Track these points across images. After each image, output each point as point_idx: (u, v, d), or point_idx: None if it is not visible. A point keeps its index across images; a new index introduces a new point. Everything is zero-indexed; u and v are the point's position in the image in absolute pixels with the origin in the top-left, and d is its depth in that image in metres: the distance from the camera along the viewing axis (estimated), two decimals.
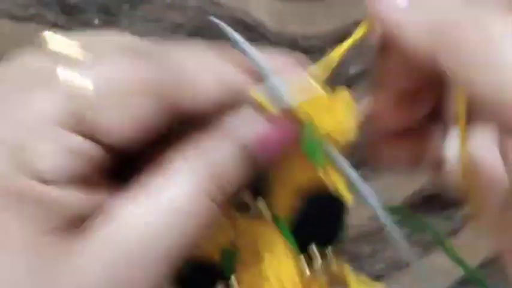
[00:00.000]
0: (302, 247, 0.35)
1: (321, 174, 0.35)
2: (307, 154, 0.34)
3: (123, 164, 0.33)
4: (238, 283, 0.35)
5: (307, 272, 0.36)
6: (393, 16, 0.31)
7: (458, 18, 0.29)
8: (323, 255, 0.36)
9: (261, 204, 0.35)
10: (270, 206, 0.35)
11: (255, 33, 0.57)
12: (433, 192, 0.60)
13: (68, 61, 0.30)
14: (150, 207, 0.30)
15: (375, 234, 0.62)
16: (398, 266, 0.63)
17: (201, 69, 0.32)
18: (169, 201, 0.30)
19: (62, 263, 0.29)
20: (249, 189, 0.35)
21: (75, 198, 0.31)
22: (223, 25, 0.32)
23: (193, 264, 0.34)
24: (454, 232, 0.63)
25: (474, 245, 0.61)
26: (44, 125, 0.30)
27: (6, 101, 0.30)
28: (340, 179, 0.36)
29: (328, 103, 0.34)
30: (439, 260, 0.63)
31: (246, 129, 0.32)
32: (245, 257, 0.35)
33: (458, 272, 0.64)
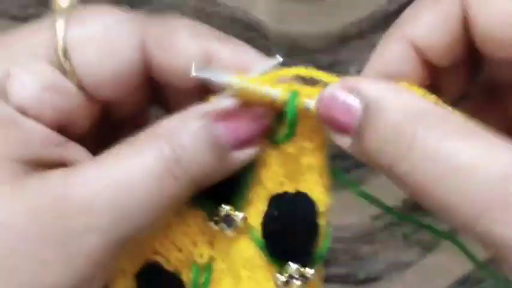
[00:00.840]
0: (279, 256, 0.34)
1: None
2: (289, 121, 0.32)
3: (111, 134, 0.35)
4: None
5: None
6: None
7: None
8: (303, 275, 0.34)
9: (237, 215, 0.34)
10: (245, 217, 0.34)
11: (255, 33, 0.57)
12: None
13: (67, 13, 0.33)
14: (113, 173, 0.30)
15: (375, 234, 0.62)
16: (398, 266, 0.63)
17: (189, 38, 0.33)
18: (130, 172, 0.30)
19: (18, 190, 0.30)
20: (224, 201, 0.34)
21: (46, 137, 0.32)
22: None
23: (160, 277, 0.34)
24: (454, 232, 0.62)
25: (474, 245, 0.61)
26: (33, 58, 0.32)
27: (6, 34, 0.33)
28: (317, 180, 0.34)
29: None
30: (439, 259, 0.63)
31: (208, 109, 0.32)
32: (219, 275, 0.34)
33: (458, 272, 0.64)
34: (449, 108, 0.31)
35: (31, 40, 0.33)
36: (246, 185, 0.34)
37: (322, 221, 0.34)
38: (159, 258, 0.34)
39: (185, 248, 0.34)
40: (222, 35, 0.34)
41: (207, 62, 0.33)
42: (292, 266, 0.34)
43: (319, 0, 0.59)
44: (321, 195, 0.34)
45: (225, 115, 0.32)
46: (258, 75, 0.33)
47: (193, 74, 0.31)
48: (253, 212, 0.34)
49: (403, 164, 0.29)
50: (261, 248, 0.34)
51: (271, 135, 0.34)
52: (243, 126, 0.32)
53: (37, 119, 0.32)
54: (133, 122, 0.37)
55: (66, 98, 0.33)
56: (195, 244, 0.34)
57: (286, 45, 0.57)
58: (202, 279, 0.34)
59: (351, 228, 0.61)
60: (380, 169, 0.31)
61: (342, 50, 0.56)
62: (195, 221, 0.34)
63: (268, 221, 0.34)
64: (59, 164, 0.32)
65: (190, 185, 0.31)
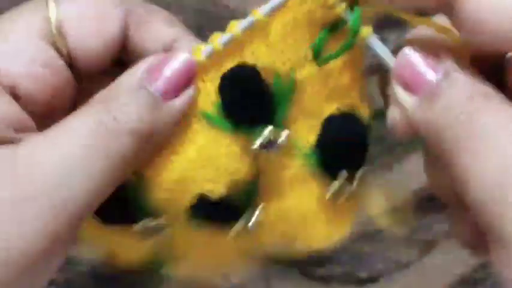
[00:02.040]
0: (331, 171, 0.35)
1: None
2: (352, 30, 0.33)
3: None
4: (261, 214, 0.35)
5: (331, 196, 0.35)
6: None
7: None
8: (351, 180, 0.36)
9: (280, 134, 0.35)
10: (289, 135, 0.35)
11: None
12: (433, 192, 0.60)
13: None
14: (56, 142, 0.31)
15: (375, 234, 0.62)
16: (398, 266, 0.63)
17: (165, 26, 0.35)
18: (68, 138, 0.31)
19: None
20: (265, 122, 0.34)
21: (15, 120, 0.33)
22: None
23: (215, 204, 0.34)
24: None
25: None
26: (27, 35, 0.33)
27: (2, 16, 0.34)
28: (362, 96, 0.35)
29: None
30: (439, 259, 0.64)
31: (142, 64, 0.33)
32: (266, 191, 0.35)
33: (458, 272, 0.64)
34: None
35: (25, 18, 0.34)
36: (287, 104, 0.35)
37: (369, 137, 0.35)
38: (210, 187, 0.34)
39: (231, 167, 0.34)
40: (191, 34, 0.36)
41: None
42: (344, 174, 0.35)
43: None
44: (366, 111, 0.35)
45: (153, 70, 0.33)
46: (267, 11, 0.34)
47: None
48: (296, 128, 0.35)
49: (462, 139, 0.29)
50: (313, 162, 0.35)
51: (315, 54, 0.34)
52: (172, 77, 0.33)
53: (29, 95, 0.33)
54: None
55: (57, 75, 0.34)
56: (240, 163, 0.35)
57: None
58: (249, 195, 0.35)
59: (351, 228, 0.61)
60: (431, 138, 0.31)
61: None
62: (238, 145, 0.34)
63: (324, 144, 0.35)
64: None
65: (136, 142, 0.32)
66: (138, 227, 0.35)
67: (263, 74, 0.34)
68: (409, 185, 0.61)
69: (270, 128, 0.34)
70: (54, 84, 0.34)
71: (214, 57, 0.34)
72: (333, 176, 0.36)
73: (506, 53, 0.32)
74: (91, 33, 0.34)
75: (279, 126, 0.35)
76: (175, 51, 0.34)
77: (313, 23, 0.34)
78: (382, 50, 0.33)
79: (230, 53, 0.34)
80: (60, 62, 0.34)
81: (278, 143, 0.34)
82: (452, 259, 0.63)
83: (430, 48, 0.32)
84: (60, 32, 0.34)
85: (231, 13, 0.56)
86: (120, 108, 0.32)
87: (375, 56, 0.33)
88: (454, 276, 0.64)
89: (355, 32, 0.33)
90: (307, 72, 0.34)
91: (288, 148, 0.35)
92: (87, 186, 0.31)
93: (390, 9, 0.33)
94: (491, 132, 0.29)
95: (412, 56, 0.32)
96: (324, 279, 0.61)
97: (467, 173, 0.29)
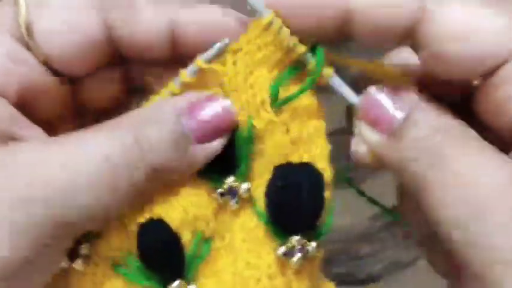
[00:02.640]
0: (282, 228, 0.33)
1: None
2: (313, 72, 0.33)
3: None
4: (205, 275, 0.34)
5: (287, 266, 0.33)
6: None
7: None
8: (304, 248, 0.33)
9: (241, 186, 0.34)
10: (249, 188, 0.34)
11: None
12: None
13: None
14: (60, 153, 0.30)
15: (375, 234, 0.62)
16: (398, 266, 0.63)
17: (151, 9, 0.33)
18: (79, 155, 0.30)
19: None
20: (229, 173, 0.34)
21: (6, 111, 0.32)
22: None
23: (162, 233, 0.33)
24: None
25: None
26: None
27: None
28: (322, 150, 0.34)
29: None
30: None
31: (177, 102, 0.32)
32: (217, 253, 0.34)
33: None
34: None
35: None
36: (249, 155, 0.34)
37: (327, 194, 0.33)
38: (163, 215, 0.33)
39: (191, 212, 0.33)
40: (183, 1, 0.34)
41: (171, 32, 0.33)
42: (295, 238, 0.33)
43: None
44: (325, 166, 0.34)
45: (193, 107, 0.32)
46: (208, 58, 0.33)
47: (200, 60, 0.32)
48: (257, 183, 0.34)
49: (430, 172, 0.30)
50: (263, 219, 0.34)
51: (275, 99, 0.33)
52: (210, 121, 0.32)
53: (2, 89, 0.32)
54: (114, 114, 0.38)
55: (30, 71, 0.33)
56: (201, 211, 0.34)
57: None
58: (200, 251, 0.34)
59: (351, 228, 0.61)
60: (397, 172, 0.32)
61: (342, 50, 0.56)
62: (203, 191, 0.34)
63: (272, 192, 0.33)
64: (10, 139, 0.32)
65: (151, 175, 0.31)
66: None
67: None
68: None
69: (231, 178, 0.34)
70: (27, 81, 0.33)
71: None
72: (286, 235, 0.33)
73: (471, 81, 0.32)
74: (62, 36, 0.33)
75: (242, 178, 0.34)
76: (218, 96, 0.33)
77: (270, 66, 0.33)
78: (344, 90, 0.33)
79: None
80: (31, 58, 0.33)
81: (238, 194, 0.34)
82: None
83: (393, 87, 0.32)
84: (30, 31, 0.33)
85: None
86: (149, 140, 0.31)
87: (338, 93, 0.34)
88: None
89: (318, 72, 0.33)
90: (265, 119, 0.33)
91: (248, 203, 0.34)
92: (87, 205, 0.30)
93: (346, 58, 0.34)
94: (451, 164, 0.29)
95: (376, 96, 0.32)
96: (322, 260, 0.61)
97: (432, 206, 0.30)
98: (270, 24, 0.32)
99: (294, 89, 0.33)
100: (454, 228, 0.29)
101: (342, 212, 0.62)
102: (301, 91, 0.33)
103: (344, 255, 0.62)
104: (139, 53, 0.34)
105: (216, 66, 0.33)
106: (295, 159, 0.33)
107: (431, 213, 0.30)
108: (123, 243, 0.33)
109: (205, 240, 0.34)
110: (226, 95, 0.33)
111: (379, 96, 0.32)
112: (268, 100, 0.33)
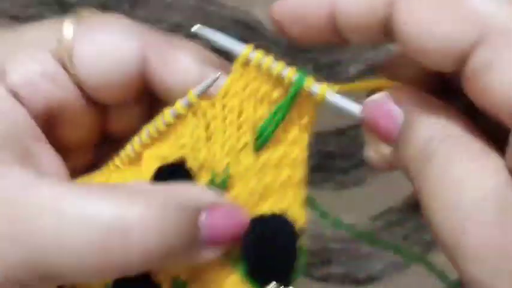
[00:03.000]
0: (258, 279, 0.33)
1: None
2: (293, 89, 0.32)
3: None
4: None
5: None
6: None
7: None
8: None
9: None
10: None
11: (255, 33, 0.57)
12: None
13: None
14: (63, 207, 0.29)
15: (375, 234, 0.62)
16: (398, 266, 0.63)
17: (191, 61, 0.34)
18: (74, 219, 0.29)
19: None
20: None
21: (22, 124, 0.32)
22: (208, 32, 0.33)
23: (142, 282, 0.32)
24: (424, 254, 0.63)
25: (447, 267, 0.61)
26: (40, 48, 0.34)
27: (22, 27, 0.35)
28: (296, 197, 0.34)
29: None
30: (439, 259, 0.63)
31: (199, 198, 0.32)
32: None
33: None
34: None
35: (42, 34, 0.34)
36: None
37: (301, 241, 0.33)
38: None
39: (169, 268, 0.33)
40: (222, 62, 0.35)
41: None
42: (271, 285, 0.33)
43: None
44: (299, 213, 0.34)
45: (213, 210, 0.31)
46: (203, 89, 0.33)
47: (194, 29, 0.32)
48: None
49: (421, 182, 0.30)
50: (239, 269, 0.34)
51: (254, 141, 0.33)
52: (225, 229, 0.32)
53: (27, 103, 0.33)
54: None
55: (61, 91, 0.34)
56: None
57: (286, 45, 0.57)
58: None
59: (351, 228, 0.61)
60: (407, 176, 0.32)
61: (342, 50, 0.56)
62: None
63: (248, 246, 0.33)
64: (23, 150, 0.32)
65: (144, 263, 0.30)
66: None
67: (195, 170, 0.33)
68: (409, 185, 0.61)
69: None
70: (56, 100, 0.34)
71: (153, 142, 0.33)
72: (262, 285, 0.33)
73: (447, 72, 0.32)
74: (100, 62, 0.34)
75: None
76: (240, 210, 0.33)
77: (260, 102, 0.33)
78: (344, 103, 0.33)
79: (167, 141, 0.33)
80: (66, 78, 0.34)
81: None
82: None
83: (390, 93, 0.32)
84: (70, 55, 0.34)
85: (231, 13, 0.56)
86: (160, 231, 0.29)
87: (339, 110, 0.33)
88: (453, 276, 0.64)
89: (299, 86, 0.32)
90: (244, 164, 0.33)
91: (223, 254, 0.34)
92: (71, 264, 0.29)
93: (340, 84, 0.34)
94: (445, 171, 0.29)
95: (374, 109, 0.32)
96: (323, 279, 0.61)
97: (430, 213, 0.30)
98: (248, 59, 0.32)
99: (281, 134, 0.33)
100: (442, 233, 0.29)
101: (342, 212, 0.62)
102: (275, 123, 0.33)
103: (344, 255, 0.62)
104: (169, 96, 0.34)
105: (206, 105, 0.32)
106: (267, 205, 0.33)
107: (425, 217, 0.30)
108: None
109: (182, 285, 0.34)
110: (208, 138, 0.33)
111: (376, 109, 0.32)
112: (250, 144, 0.33)
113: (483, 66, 0.28)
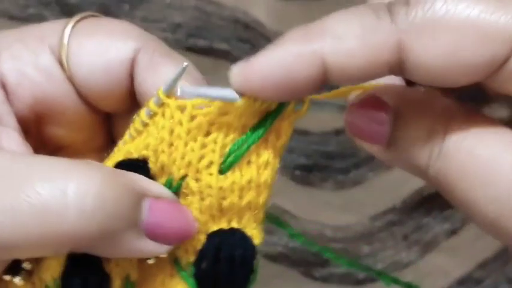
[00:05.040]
0: None
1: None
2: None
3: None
4: None
5: None
6: None
7: None
8: None
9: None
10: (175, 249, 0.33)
11: (255, 33, 0.57)
12: (433, 192, 0.61)
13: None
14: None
15: (375, 234, 0.62)
16: (398, 266, 0.63)
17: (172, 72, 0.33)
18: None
19: None
20: None
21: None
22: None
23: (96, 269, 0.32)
24: (454, 232, 0.63)
25: (474, 245, 0.61)
26: (40, 45, 0.34)
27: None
28: (256, 220, 0.33)
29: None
30: (439, 259, 0.63)
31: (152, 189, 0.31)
32: None
33: (458, 272, 0.64)
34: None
35: (44, 30, 0.35)
36: None
37: (256, 260, 0.33)
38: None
39: (121, 263, 0.32)
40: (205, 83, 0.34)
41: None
42: None
43: (318, 0, 0.59)
44: (256, 231, 0.33)
45: (158, 200, 0.31)
46: (171, 83, 0.32)
47: (180, 93, 0.31)
48: (187, 249, 0.33)
49: (436, 164, 0.30)
50: (190, 284, 0.33)
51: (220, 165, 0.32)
52: (167, 223, 0.31)
53: (14, 91, 0.33)
54: None
55: (53, 86, 0.34)
56: (127, 262, 0.33)
57: None
58: None
59: (351, 228, 0.61)
60: (413, 171, 0.31)
61: None
62: None
63: (203, 263, 0.33)
64: None
65: (81, 233, 0.29)
66: None
67: (155, 171, 0.32)
68: (409, 185, 0.61)
69: None
70: (45, 91, 0.34)
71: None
72: None
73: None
74: (91, 64, 0.34)
75: None
76: (188, 212, 0.32)
77: (231, 130, 0.32)
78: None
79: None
80: (60, 75, 0.34)
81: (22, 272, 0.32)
82: (452, 259, 0.63)
83: (374, 97, 0.32)
84: (66, 55, 0.34)
85: (231, 13, 0.56)
86: (99, 201, 0.29)
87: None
88: (453, 276, 0.64)
89: (281, 109, 0.31)
90: (204, 182, 0.32)
91: (169, 264, 0.33)
92: (13, 233, 0.28)
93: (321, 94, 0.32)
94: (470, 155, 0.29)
95: (356, 117, 0.32)
96: (323, 279, 0.61)
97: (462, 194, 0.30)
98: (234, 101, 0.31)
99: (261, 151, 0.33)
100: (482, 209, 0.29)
101: (341, 212, 0.62)
102: (246, 147, 0.32)
103: (344, 255, 0.62)
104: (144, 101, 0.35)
105: (174, 105, 0.32)
106: (221, 224, 0.33)
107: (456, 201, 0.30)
108: (56, 271, 0.32)
109: (131, 285, 0.33)
110: (171, 144, 0.32)
111: (359, 118, 0.32)
112: (216, 164, 0.32)
113: None
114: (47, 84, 0.34)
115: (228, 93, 0.31)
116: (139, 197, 0.30)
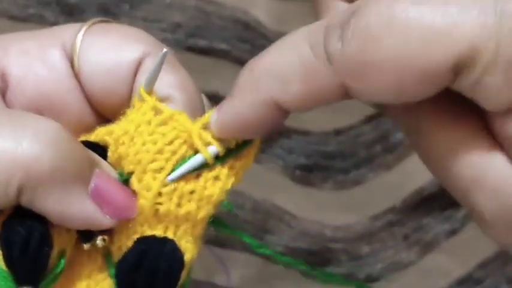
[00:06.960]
0: None
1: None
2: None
3: None
4: None
5: None
6: None
7: None
8: None
9: (100, 237, 0.32)
10: (104, 239, 0.32)
11: (255, 33, 0.57)
12: (433, 192, 0.61)
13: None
14: None
15: (375, 234, 0.62)
16: (398, 266, 0.63)
17: (170, 85, 0.34)
18: None
19: None
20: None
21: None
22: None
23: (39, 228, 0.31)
24: (454, 232, 0.63)
25: (474, 245, 0.61)
26: (52, 42, 0.34)
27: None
28: (193, 233, 0.33)
29: None
30: (439, 259, 0.63)
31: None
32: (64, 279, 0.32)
33: (458, 272, 0.64)
34: None
35: (57, 33, 0.35)
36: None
37: (184, 274, 0.32)
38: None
39: (63, 235, 0.32)
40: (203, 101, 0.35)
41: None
42: None
43: None
44: (190, 245, 0.33)
45: (107, 175, 0.32)
46: (152, 73, 0.33)
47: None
48: (120, 246, 0.33)
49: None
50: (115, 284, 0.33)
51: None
52: (112, 192, 0.32)
53: (16, 82, 0.34)
54: None
55: (57, 83, 0.34)
56: (67, 237, 0.33)
57: None
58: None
59: (351, 228, 0.61)
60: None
61: None
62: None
63: (125, 267, 0.32)
64: None
65: (32, 164, 0.30)
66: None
67: (112, 160, 0.33)
68: (409, 185, 0.61)
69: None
70: (49, 85, 0.34)
71: None
72: None
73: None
74: (100, 61, 0.34)
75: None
76: (133, 196, 0.33)
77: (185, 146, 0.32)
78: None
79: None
80: (67, 71, 0.34)
81: (96, 243, 0.32)
82: (452, 259, 0.63)
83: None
84: (77, 56, 0.34)
85: (231, 13, 0.56)
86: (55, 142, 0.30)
87: None
88: (454, 276, 0.64)
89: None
90: (146, 184, 0.32)
91: (101, 257, 0.33)
92: None
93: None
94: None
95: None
96: (324, 280, 0.61)
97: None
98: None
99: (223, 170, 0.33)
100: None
101: (341, 212, 0.62)
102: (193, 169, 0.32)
103: (344, 255, 0.62)
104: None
105: (150, 102, 0.32)
106: (158, 231, 0.32)
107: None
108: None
109: (61, 263, 0.32)
110: (132, 138, 0.32)
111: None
112: (165, 172, 0.32)
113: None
114: (51, 79, 0.34)
115: (200, 158, 0.32)
116: (92, 163, 0.32)
